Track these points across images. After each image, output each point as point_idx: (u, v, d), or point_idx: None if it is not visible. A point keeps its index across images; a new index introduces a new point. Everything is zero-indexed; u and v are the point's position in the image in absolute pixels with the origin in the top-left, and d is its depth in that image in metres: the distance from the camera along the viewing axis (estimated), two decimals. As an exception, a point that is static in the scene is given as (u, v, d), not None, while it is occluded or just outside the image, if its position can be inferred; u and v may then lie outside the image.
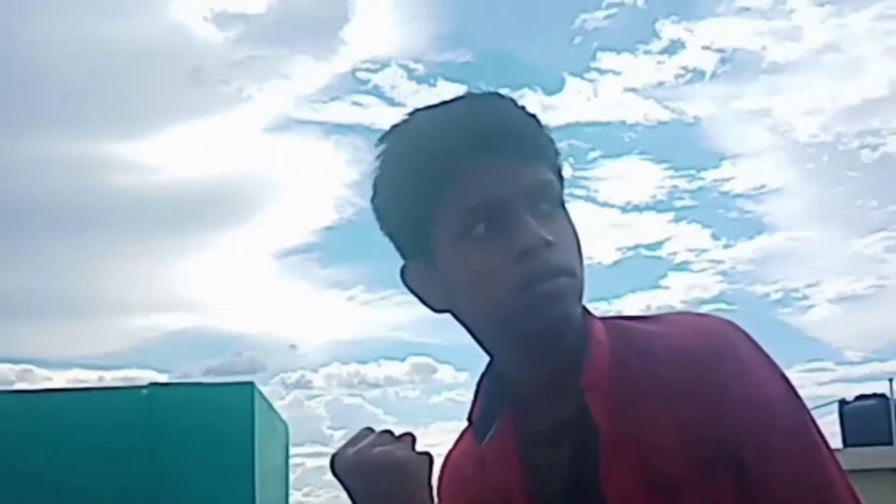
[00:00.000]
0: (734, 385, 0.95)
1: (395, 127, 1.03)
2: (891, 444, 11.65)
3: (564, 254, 0.98)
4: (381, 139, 1.03)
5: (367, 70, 15.67)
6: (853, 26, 16.31)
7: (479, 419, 1.05)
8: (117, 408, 4.86)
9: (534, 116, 1.01)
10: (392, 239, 1.07)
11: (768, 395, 0.96)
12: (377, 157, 1.03)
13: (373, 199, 1.06)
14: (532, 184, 0.98)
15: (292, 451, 6.44)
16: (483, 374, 1.07)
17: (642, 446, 0.94)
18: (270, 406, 5.96)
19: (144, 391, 4.94)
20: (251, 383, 5.28)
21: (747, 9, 15.18)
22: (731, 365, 0.96)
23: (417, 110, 1.03)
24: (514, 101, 1.01)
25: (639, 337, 1.01)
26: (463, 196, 0.97)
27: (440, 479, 1.13)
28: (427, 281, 1.04)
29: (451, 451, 1.14)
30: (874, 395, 12.30)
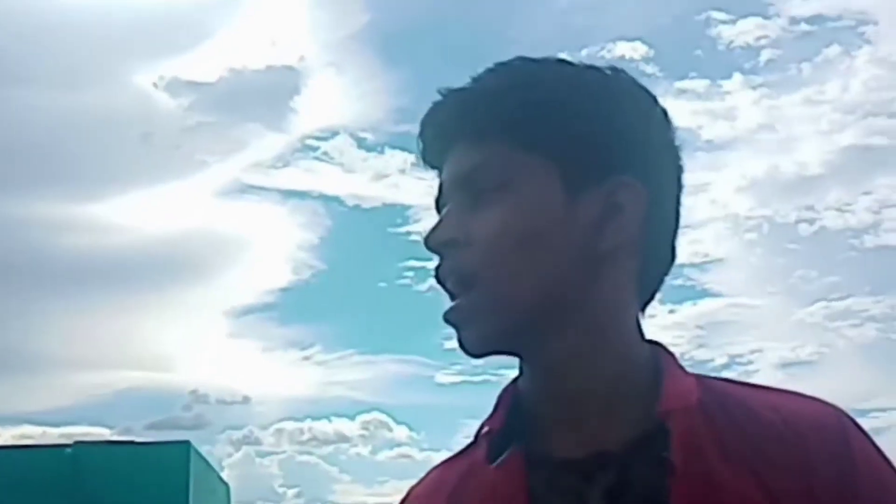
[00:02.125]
0: (860, 477, 0.78)
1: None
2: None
3: (466, 254, 0.84)
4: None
5: (317, 138, 15.92)
6: (785, 108, 17.44)
7: (494, 436, 0.86)
8: (40, 467, 4.62)
9: (520, 85, 0.86)
10: None
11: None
12: None
13: None
14: (462, 171, 0.86)
15: (241, 510, 6.17)
16: (506, 387, 0.91)
17: (719, 501, 0.77)
18: (209, 465, 5.72)
19: (69, 450, 4.70)
20: (187, 442, 5.07)
21: (684, 91, 16.14)
22: (856, 448, 0.80)
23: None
24: (508, 72, 0.88)
25: (731, 389, 0.85)
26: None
27: None
28: None
29: (417, 485, 0.96)
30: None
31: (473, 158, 0.85)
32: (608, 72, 0.88)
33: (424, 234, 0.86)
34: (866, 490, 0.78)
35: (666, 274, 0.88)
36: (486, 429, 0.87)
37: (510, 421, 0.86)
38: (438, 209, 0.89)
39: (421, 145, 0.90)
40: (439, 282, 0.86)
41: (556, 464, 0.82)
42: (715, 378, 0.87)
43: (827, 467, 0.78)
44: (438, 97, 0.89)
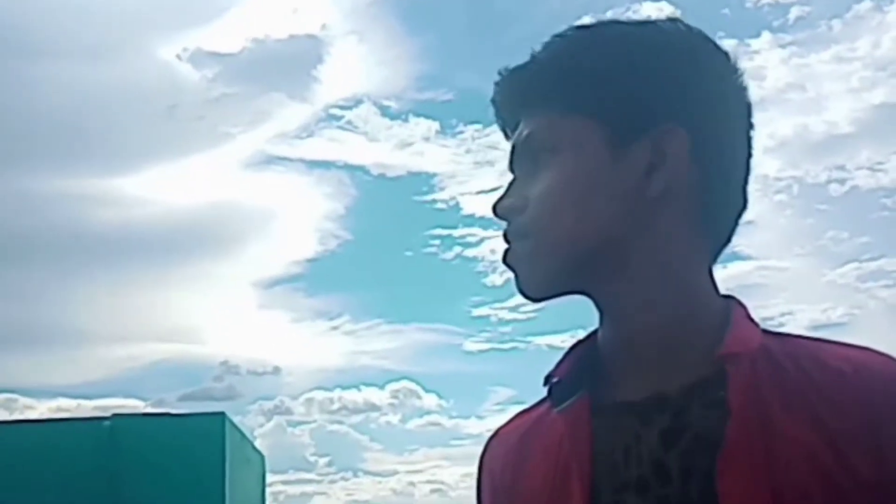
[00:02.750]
0: None
1: None
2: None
3: (525, 215, 0.92)
4: None
5: (341, 107, 15.90)
6: (815, 66, 17.19)
7: (561, 384, 0.91)
8: (79, 440, 4.67)
9: (583, 51, 0.92)
10: None
11: None
12: None
13: None
14: (521, 139, 0.95)
15: (273, 479, 6.25)
16: (581, 339, 0.97)
17: (776, 448, 0.78)
18: (244, 436, 5.77)
19: (107, 423, 4.75)
20: (222, 413, 5.10)
21: (713, 50, 15.98)
22: None
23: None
24: (571, 40, 0.94)
25: (802, 341, 0.87)
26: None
27: (483, 454, 1.02)
28: None
29: (502, 426, 1.02)
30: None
31: (529, 126, 0.93)
32: (662, 25, 0.92)
33: (493, 203, 0.94)
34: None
35: (736, 219, 0.93)
36: (554, 378, 0.91)
37: (578, 369, 0.90)
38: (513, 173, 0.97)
39: (495, 118, 0.99)
40: (507, 243, 0.93)
41: (617, 407, 0.86)
42: (789, 334, 0.88)
43: (861, 420, 0.79)
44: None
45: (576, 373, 0.90)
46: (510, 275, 0.95)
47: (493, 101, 0.98)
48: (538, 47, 0.95)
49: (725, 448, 0.78)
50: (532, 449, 0.93)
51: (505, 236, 0.92)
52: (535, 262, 0.90)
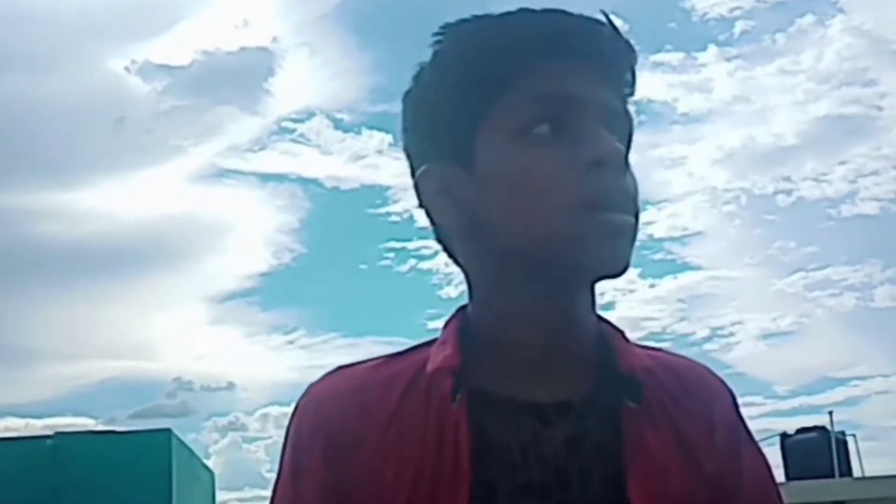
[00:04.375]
0: (745, 439, 0.91)
1: (463, 19, 0.88)
2: (832, 476, 11.71)
3: (634, 190, 0.84)
4: (442, 28, 0.88)
5: (293, 120, 15.76)
6: (760, 79, 17.54)
7: (453, 375, 0.83)
8: (21, 459, 4.58)
9: (633, 52, 0.87)
10: (415, 140, 0.90)
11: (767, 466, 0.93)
12: (432, 46, 0.88)
13: (409, 92, 0.89)
14: (611, 104, 0.84)
15: (228, 496, 6.16)
16: (454, 319, 0.89)
17: (669, 453, 0.83)
18: (192, 453, 5.69)
19: (49, 441, 4.66)
20: (168, 430, 5.03)
21: (660, 64, 16.22)
22: (739, 412, 0.93)
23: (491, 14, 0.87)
24: (618, 32, 0.86)
25: (656, 353, 0.92)
26: (531, 86, 0.82)
27: (308, 411, 0.88)
28: (451, 186, 0.86)
29: (336, 383, 0.89)
30: (814, 428, 12.40)
31: (625, 104, 0.87)
32: None
33: (601, 148, 0.81)
34: (747, 450, 0.90)
35: None
36: (439, 363, 0.84)
37: (465, 355, 0.85)
38: (574, 118, 0.83)
39: (578, 35, 0.84)
40: (603, 192, 0.80)
41: (515, 405, 0.84)
42: (643, 346, 0.92)
43: (724, 424, 0.89)
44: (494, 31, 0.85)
45: (464, 359, 0.84)
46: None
47: (596, 31, 0.84)
48: (606, 18, 0.85)
49: (629, 456, 0.81)
50: (402, 423, 0.83)
51: (609, 188, 0.81)
52: (631, 252, 0.83)
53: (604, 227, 0.80)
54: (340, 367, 0.90)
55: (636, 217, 0.83)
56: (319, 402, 0.87)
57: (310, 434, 0.85)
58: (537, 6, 0.86)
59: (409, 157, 0.90)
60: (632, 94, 0.88)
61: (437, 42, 0.88)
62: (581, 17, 0.85)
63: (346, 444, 0.83)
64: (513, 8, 0.86)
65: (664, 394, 0.86)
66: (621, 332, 0.90)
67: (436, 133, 0.87)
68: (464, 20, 0.87)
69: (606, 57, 0.85)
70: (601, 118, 0.83)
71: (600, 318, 0.90)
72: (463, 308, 0.90)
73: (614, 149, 0.81)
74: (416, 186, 0.88)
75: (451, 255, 0.91)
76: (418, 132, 0.89)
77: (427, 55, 0.88)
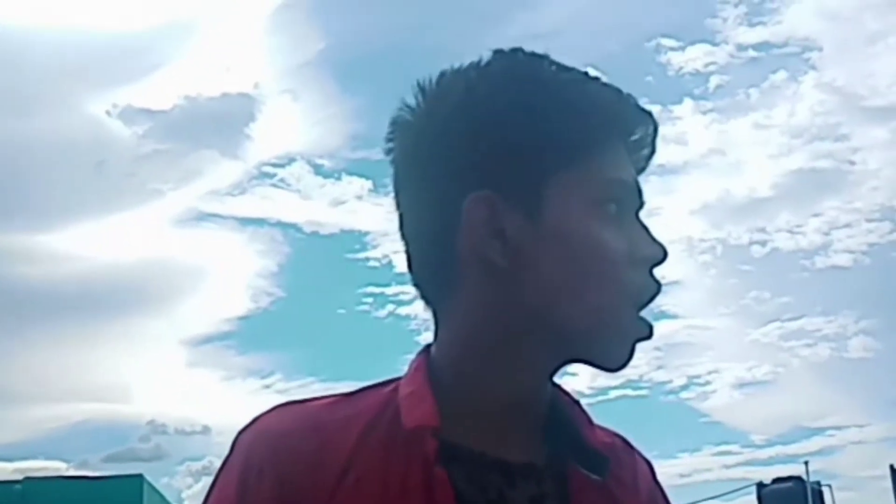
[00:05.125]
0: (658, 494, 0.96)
1: (535, 54, 0.87)
2: (808, 526, 11.69)
3: None
4: (509, 53, 0.87)
5: (274, 165, 15.79)
6: (735, 132, 17.89)
7: (434, 434, 0.81)
8: (-12, 505, 4.46)
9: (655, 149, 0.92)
10: (465, 158, 0.83)
11: None
12: (498, 63, 0.86)
13: (472, 97, 0.84)
14: (643, 198, 0.88)
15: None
16: (420, 364, 0.86)
17: None
18: (163, 498, 5.59)
19: (18, 486, 4.55)
20: (140, 475, 4.95)
21: (636, 116, 16.56)
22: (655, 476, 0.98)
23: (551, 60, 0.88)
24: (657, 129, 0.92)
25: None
26: (607, 159, 0.84)
27: (256, 451, 0.82)
28: (504, 223, 0.82)
29: (289, 422, 0.84)
30: (790, 478, 12.40)
31: None
32: None
33: (658, 248, 0.85)
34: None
35: None
36: (419, 420, 0.82)
37: (435, 407, 0.82)
38: (629, 204, 0.86)
39: (645, 146, 0.89)
40: (651, 291, 0.85)
41: (485, 462, 0.83)
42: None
43: (647, 492, 0.93)
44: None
45: (435, 411, 0.82)
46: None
47: (650, 132, 0.89)
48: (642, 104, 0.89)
49: None
50: (360, 471, 0.80)
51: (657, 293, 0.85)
52: None
53: (642, 332, 0.84)
54: (291, 402, 0.87)
55: None
56: (272, 437, 0.82)
57: (258, 473, 0.80)
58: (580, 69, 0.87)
59: (428, 163, 0.85)
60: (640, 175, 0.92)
61: (508, 66, 0.86)
62: (639, 104, 0.88)
63: (300, 488, 0.80)
64: (580, 69, 0.87)
65: (615, 468, 0.88)
66: (578, 403, 0.91)
67: (500, 162, 0.83)
68: (525, 53, 0.87)
69: (644, 148, 0.89)
70: (637, 205, 0.87)
71: (554, 384, 0.90)
72: (427, 349, 0.88)
73: (663, 249, 0.85)
74: (442, 201, 0.84)
75: (427, 286, 0.87)
76: (474, 152, 0.83)
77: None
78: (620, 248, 0.82)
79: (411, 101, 0.87)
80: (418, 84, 0.87)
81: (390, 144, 0.88)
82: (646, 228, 0.85)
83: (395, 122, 0.87)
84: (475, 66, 0.86)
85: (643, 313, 0.85)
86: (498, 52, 0.86)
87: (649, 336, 0.84)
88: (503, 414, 0.85)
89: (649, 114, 0.89)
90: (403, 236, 0.88)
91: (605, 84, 0.87)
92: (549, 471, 0.85)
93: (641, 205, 0.87)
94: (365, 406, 0.84)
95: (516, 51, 0.87)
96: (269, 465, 0.80)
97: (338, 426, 0.83)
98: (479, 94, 0.84)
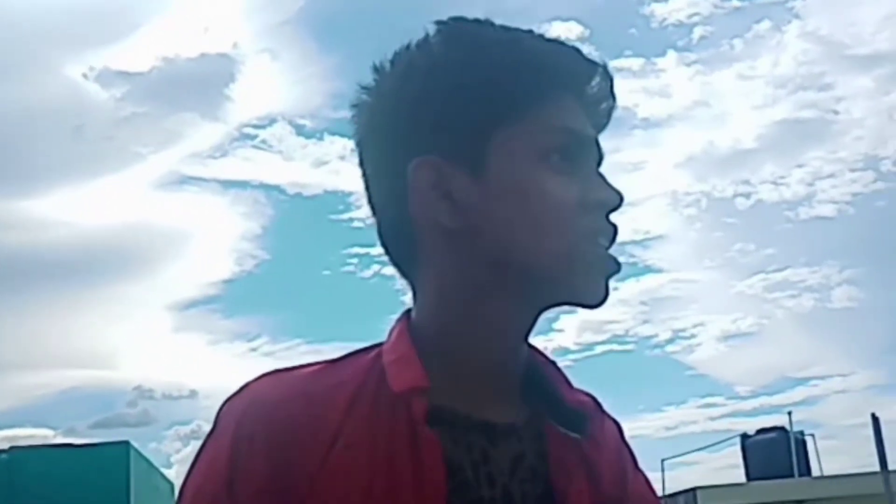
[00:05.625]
0: (631, 465, 0.97)
1: (476, 20, 0.89)
2: (792, 475, 11.86)
3: None
4: (454, 20, 0.89)
5: (255, 126, 15.63)
6: (719, 84, 17.84)
7: (423, 395, 0.82)
8: (-26, 474, 4.46)
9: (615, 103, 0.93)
10: (409, 127, 0.86)
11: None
12: (441, 33, 0.88)
13: (413, 69, 0.87)
14: (600, 149, 0.90)
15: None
16: (401, 327, 0.88)
17: (582, 477, 0.88)
18: (151, 465, 5.61)
19: (3, 456, 4.55)
20: (126, 442, 4.96)
21: (620, 69, 16.47)
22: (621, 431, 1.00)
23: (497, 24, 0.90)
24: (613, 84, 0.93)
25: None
26: (554, 115, 0.86)
27: (242, 416, 0.83)
28: (450, 185, 0.85)
29: (275, 388, 0.84)
30: (774, 429, 12.55)
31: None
32: None
33: (612, 193, 0.87)
34: (633, 475, 0.96)
35: None
36: (408, 382, 0.83)
37: (422, 370, 0.83)
38: (580, 154, 0.87)
39: (589, 74, 0.89)
40: (606, 232, 0.87)
41: (470, 423, 0.85)
42: None
43: (614, 452, 0.94)
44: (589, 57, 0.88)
45: (423, 374, 0.83)
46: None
47: (605, 84, 0.90)
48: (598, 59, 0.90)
49: (555, 478, 0.86)
50: (351, 437, 0.81)
51: (616, 233, 0.88)
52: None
53: (604, 260, 0.86)
54: (278, 371, 0.87)
55: None
56: (263, 406, 0.83)
57: (251, 439, 0.81)
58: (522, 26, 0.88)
59: (381, 136, 0.88)
60: (603, 130, 0.92)
61: (450, 30, 0.88)
62: (588, 56, 0.89)
63: (291, 455, 0.80)
64: (522, 26, 0.89)
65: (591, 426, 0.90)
66: (554, 363, 0.93)
67: (441, 127, 0.86)
68: (467, 21, 0.89)
69: (602, 105, 0.90)
70: (594, 156, 0.89)
71: (530, 345, 0.91)
72: (406, 315, 0.89)
73: (618, 194, 0.87)
74: (404, 174, 0.85)
75: (396, 255, 0.90)
76: (415, 119, 0.86)
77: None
78: (569, 195, 0.85)
79: (368, 82, 0.90)
80: (373, 65, 0.89)
81: (353, 127, 0.91)
82: (602, 177, 0.88)
83: (353, 105, 0.90)
84: (420, 39, 0.88)
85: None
86: (439, 23, 0.89)
87: (617, 269, 0.87)
88: (485, 375, 0.87)
89: (599, 65, 0.90)
90: (372, 211, 0.91)
91: (548, 40, 0.89)
92: (528, 430, 0.87)
93: (601, 157, 0.90)
94: (351, 372, 0.85)
95: (458, 19, 0.89)
96: (261, 433, 0.81)
97: (326, 393, 0.83)
98: (418, 65, 0.87)
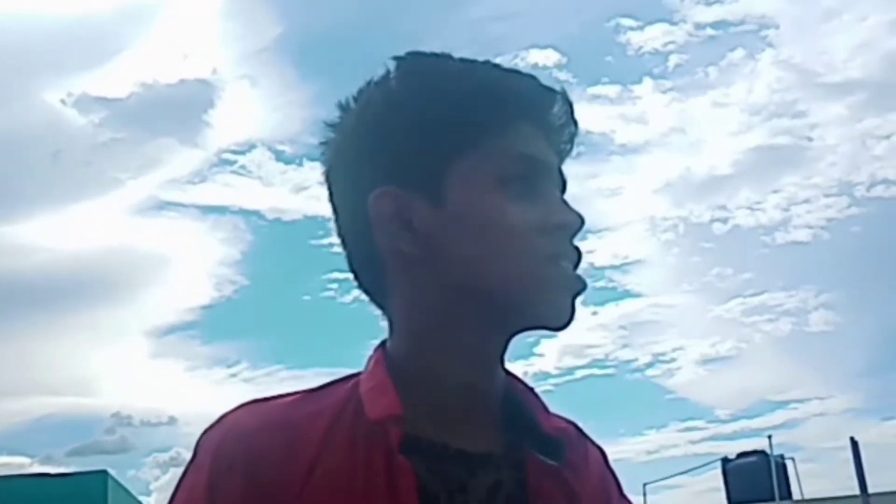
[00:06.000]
0: (616, 491, 0.98)
1: (434, 53, 0.92)
2: (773, 499, 11.87)
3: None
4: (412, 55, 0.91)
5: (234, 152, 15.64)
6: (694, 111, 18.06)
7: (399, 424, 0.83)
8: (-52, 505, 4.38)
9: (577, 128, 0.94)
10: (371, 158, 0.89)
11: None
12: (400, 68, 0.90)
13: (371, 104, 0.90)
14: (561, 174, 0.92)
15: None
16: (378, 357, 0.89)
17: None
18: (128, 493, 5.54)
19: (-21, 485, 4.48)
20: (104, 471, 4.90)
21: (597, 96, 16.62)
22: (605, 458, 0.99)
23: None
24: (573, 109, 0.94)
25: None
26: (512, 141, 0.87)
27: (223, 445, 0.83)
28: (410, 214, 0.86)
29: (256, 416, 0.85)
30: (754, 452, 12.58)
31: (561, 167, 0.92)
32: None
33: (572, 216, 0.88)
34: (615, 490, 0.97)
35: None
36: (382, 411, 0.84)
37: (398, 399, 0.84)
38: (539, 180, 0.88)
39: (545, 101, 0.90)
40: (567, 254, 0.88)
41: (447, 452, 0.85)
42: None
43: (598, 478, 0.95)
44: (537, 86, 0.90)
45: (398, 402, 0.84)
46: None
47: (561, 109, 0.91)
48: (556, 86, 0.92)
49: None
50: (327, 465, 0.82)
51: (577, 259, 0.88)
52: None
53: (567, 280, 0.87)
54: (255, 401, 0.88)
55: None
56: (241, 436, 0.83)
57: (227, 470, 0.81)
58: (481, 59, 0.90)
59: (344, 171, 0.91)
60: (567, 156, 0.94)
61: (408, 65, 0.90)
62: (546, 84, 0.91)
63: (270, 484, 0.81)
64: (479, 58, 0.91)
65: (570, 454, 0.90)
66: (532, 390, 0.94)
67: (403, 158, 0.87)
68: (425, 55, 0.91)
69: (561, 131, 0.91)
70: (555, 182, 0.90)
71: (507, 372, 0.92)
72: (382, 344, 0.91)
73: (578, 216, 0.88)
74: (365, 205, 0.87)
75: (367, 286, 0.91)
76: (377, 151, 0.88)
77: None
78: (528, 220, 0.85)
79: (333, 119, 0.92)
80: (338, 102, 0.92)
81: (321, 163, 0.93)
82: (564, 202, 0.89)
83: (320, 142, 0.93)
84: (380, 75, 0.90)
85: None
86: (397, 58, 0.90)
87: (582, 287, 0.87)
88: (460, 402, 0.87)
89: (557, 92, 0.91)
90: (342, 242, 0.93)
91: (506, 70, 0.90)
92: (506, 459, 0.87)
93: (563, 183, 0.91)
94: (329, 402, 0.86)
95: (415, 54, 0.91)
96: (240, 463, 0.81)
97: (304, 422, 0.84)
98: (376, 100, 0.89)
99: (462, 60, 0.90)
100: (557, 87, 0.91)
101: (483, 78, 0.88)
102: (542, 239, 0.86)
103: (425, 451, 0.84)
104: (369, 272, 0.90)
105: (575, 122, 0.92)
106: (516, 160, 0.87)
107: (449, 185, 0.86)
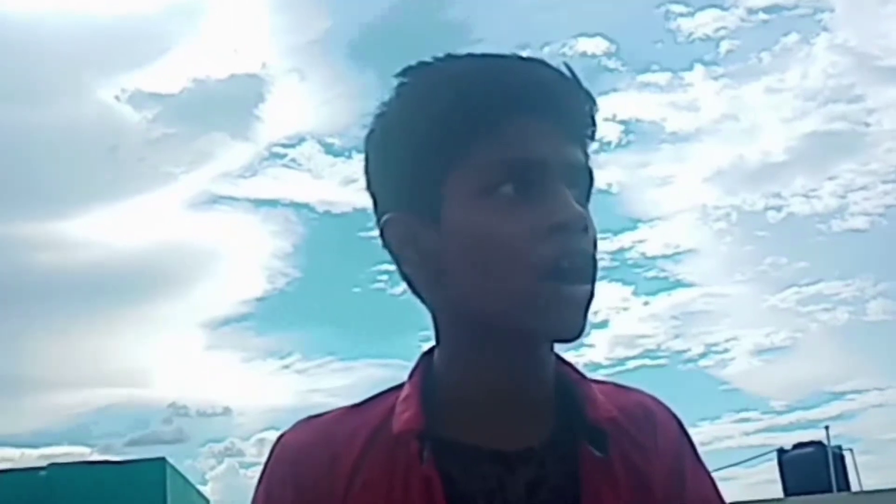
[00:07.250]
0: (691, 462, 0.95)
1: (426, 63, 0.90)
2: (830, 490, 11.68)
3: (593, 248, 0.86)
4: (406, 72, 0.90)
5: (284, 145, 15.75)
6: (747, 97, 17.67)
7: (420, 435, 0.86)
8: (15, 490, 4.50)
9: (593, 101, 0.89)
10: (379, 186, 0.91)
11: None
12: (396, 89, 0.90)
13: (372, 134, 0.91)
14: (574, 161, 0.86)
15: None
16: (418, 368, 0.92)
17: (623, 497, 0.87)
18: (187, 481, 5.64)
19: (43, 472, 4.61)
20: (163, 459, 5.00)
21: (647, 84, 16.35)
22: (687, 436, 0.97)
23: (454, 56, 0.90)
24: (579, 83, 0.88)
25: (606, 390, 0.94)
26: (497, 146, 0.84)
27: (280, 462, 0.92)
28: (416, 237, 0.87)
29: (304, 434, 0.93)
30: (811, 443, 12.37)
31: (583, 159, 0.88)
32: None
33: (569, 213, 0.83)
34: (691, 473, 0.94)
35: None
36: (402, 425, 0.87)
37: (430, 408, 0.88)
38: (535, 178, 0.84)
39: (541, 91, 0.86)
40: (563, 258, 0.82)
41: (480, 454, 0.87)
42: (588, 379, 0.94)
43: (669, 452, 0.93)
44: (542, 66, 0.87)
45: (429, 413, 0.87)
46: None
47: (560, 89, 0.86)
48: (568, 70, 0.87)
49: (586, 501, 0.85)
50: (366, 476, 0.87)
51: (577, 251, 0.83)
52: (588, 308, 0.85)
53: (561, 298, 0.82)
54: (310, 417, 0.95)
55: (593, 279, 0.85)
56: (290, 453, 0.92)
57: (281, 483, 0.90)
58: (508, 51, 0.88)
59: (373, 199, 0.92)
60: (592, 140, 0.90)
61: (401, 85, 0.90)
62: (544, 69, 0.87)
63: (316, 493, 0.88)
64: (480, 52, 0.89)
65: (625, 440, 0.90)
66: (584, 377, 0.93)
67: (402, 182, 0.88)
68: (427, 64, 0.90)
69: (568, 111, 0.87)
70: (563, 176, 0.85)
71: (560, 359, 0.92)
72: (429, 353, 0.93)
73: (576, 212, 0.83)
74: (382, 233, 0.90)
75: (420, 298, 0.92)
76: (383, 178, 0.91)
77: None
78: (519, 227, 0.82)
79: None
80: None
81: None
82: (562, 193, 0.84)
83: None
84: (387, 98, 0.90)
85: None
86: (397, 75, 0.90)
87: (589, 299, 0.84)
88: (495, 406, 0.88)
89: (563, 75, 0.87)
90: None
91: (507, 64, 0.87)
92: (553, 453, 0.88)
93: (581, 174, 0.87)
94: (372, 415, 0.91)
95: (411, 68, 0.90)
96: (290, 476, 0.90)
97: (346, 437, 0.90)
98: (376, 127, 0.90)
99: (462, 61, 0.89)
100: (564, 70, 0.87)
101: (471, 84, 0.85)
102: (540, 245, 0.82)
103: (461, 455, 0.87)
104: (409, 286, 0.92)
105: (590, 98, 0.88)
106: (504, 163, 0.83)
107: (442, 202, 0.86)
